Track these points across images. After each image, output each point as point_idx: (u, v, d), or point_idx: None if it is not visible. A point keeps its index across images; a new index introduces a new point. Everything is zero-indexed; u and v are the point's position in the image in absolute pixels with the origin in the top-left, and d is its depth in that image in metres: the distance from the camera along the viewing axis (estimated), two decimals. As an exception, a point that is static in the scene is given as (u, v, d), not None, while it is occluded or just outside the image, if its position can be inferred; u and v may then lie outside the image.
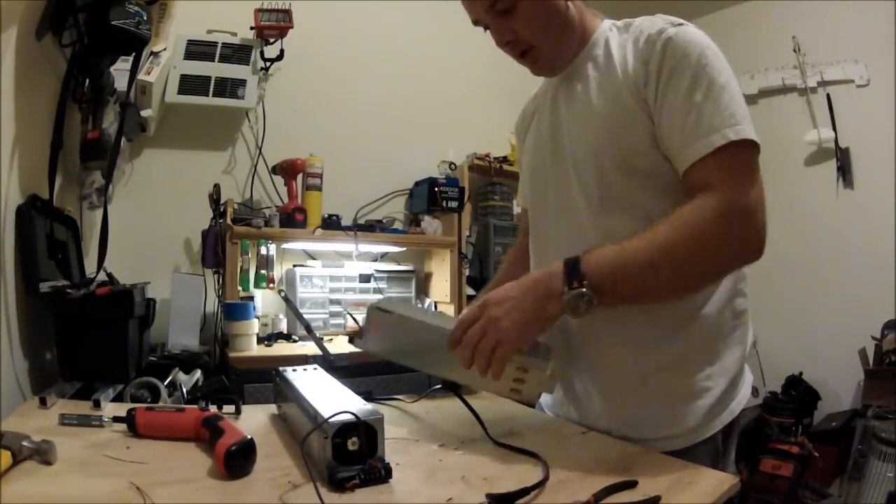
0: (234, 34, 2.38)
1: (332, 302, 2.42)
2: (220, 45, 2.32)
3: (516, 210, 3.13)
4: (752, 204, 0.76)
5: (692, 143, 0.79)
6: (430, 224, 2.74)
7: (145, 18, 1.54)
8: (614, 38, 0.91)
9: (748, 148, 0.78)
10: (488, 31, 0.93)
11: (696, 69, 0.79)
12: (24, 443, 0.68)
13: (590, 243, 0.81)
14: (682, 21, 0.85)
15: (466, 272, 2.74)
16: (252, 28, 2.38)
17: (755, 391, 1.72)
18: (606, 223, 0.88)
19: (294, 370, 0.95)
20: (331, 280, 2.44)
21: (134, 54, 1.72)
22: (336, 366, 1.81)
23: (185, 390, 1.42)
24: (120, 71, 1.82)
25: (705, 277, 0.82)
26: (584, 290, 0.73)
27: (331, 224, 2.44)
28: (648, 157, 0.84)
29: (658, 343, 0.88)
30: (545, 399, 1.05)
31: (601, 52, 0.91)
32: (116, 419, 0.83)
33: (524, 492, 0.62)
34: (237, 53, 2.34)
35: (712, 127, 0.77)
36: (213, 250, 2.20)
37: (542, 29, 0.89)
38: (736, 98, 0.79)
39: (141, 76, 2.03)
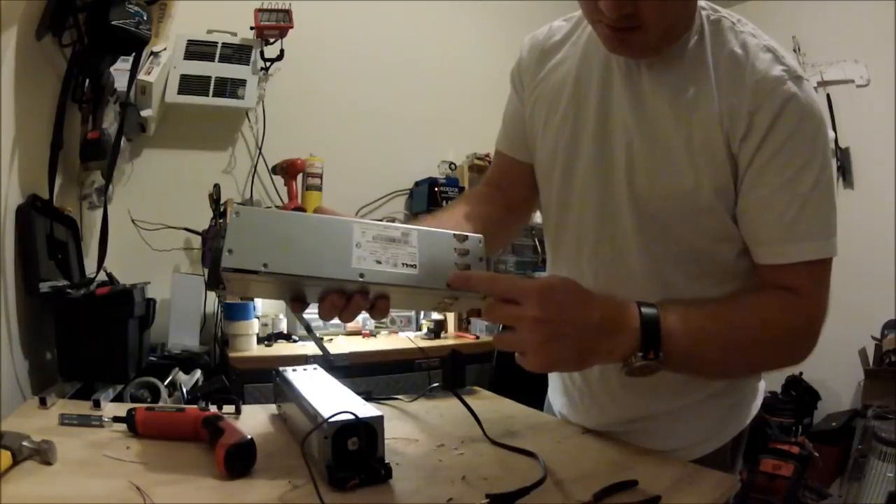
0: (234, 34, 2.38)
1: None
2: (220, 45, 2.32)
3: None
4: (822, 316, 0.73)
5: (785, 241, 0.71)
6: (431, 224, 2.73)
7: (145, 18, 1.54)
8: (707, 39, 0.75)
9: (831, 261, 0.73)
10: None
11: (809, 152, 0.69)
12: (24, 443, 0.67)
13: (636, 288, 0.78)
14: (799, 72, 0.71)
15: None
16: (252, 28, 2.38)
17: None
18: (660, 275, 0.80)
19: (294, 370, 0.95)
20: (330, 280, 2.44)
21: (134, 54, 1.72)
22: (336, 366, 1.81)
23: (185, 390, 1.42)
24: (120, 71, 1.82)
25: (754, 372, 0.84)
26: (655, 363, 0.64)
27: (331, 224, 2.44)
28: (719, 218, 0.75)
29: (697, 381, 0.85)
30: (559, 410, 1.04)
31: (694, 56, 0.75)
32: (116, 419, 0.83)
33: (524, 491, 0.62)
34: (237, 53, 2.34)
35: (811, 233, 0.70)
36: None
37: (667, 9, 0.70)
38: (833, 198, 0.72)
39: (141, 76, 2.03)
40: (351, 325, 2.31)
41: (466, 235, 0.68)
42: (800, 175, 0.69)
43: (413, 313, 2.57)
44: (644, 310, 0.65)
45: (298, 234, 0.61)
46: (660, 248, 0.79)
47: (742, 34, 0.75)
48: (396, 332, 2.50)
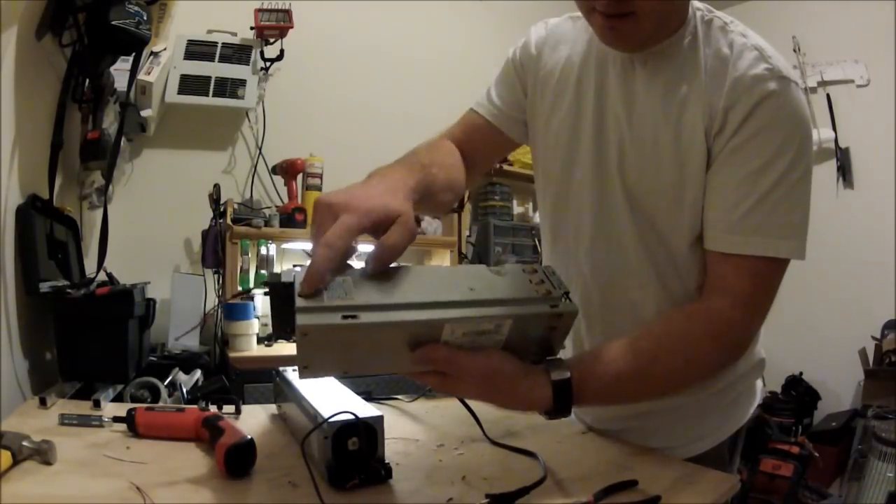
0: (234, 34, 2.38)
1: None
2: (220, 45, 2.33)
3: (516, 210, 3.13)
4: (758, 324, 0.74)
5: (735, 231, 0.70)
6: (431, 224, 2.74)
7: (145, 18, 1.55)
8: (700, 39, 0.75)
9: (786, 263, 0.71)
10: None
11: (777, 148, 0.68)
12: (24, 443, 0.67)
13: (632, 283, 0.81)
14: (785, 73, 0.70)
15: (466, 272, 2.74)
16: (252, 28, 2.38)
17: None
18: (656, 269, 0.81)
19: (294, 370, 0.95)
20: (331, 280, 2.44)
21: (134, 54, 1.72)
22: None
23: (185, 390, 1.42)
24: (120, 71, 1.82)
25: (680, 391, 0.80)
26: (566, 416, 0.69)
27: (331, 224, 2.44)
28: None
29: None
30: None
31: (686, 56, 0.75)
32: (116, 419, 0.83)
33: (524, 491, 0.62)
34: (237, 53, 2.35)
35: (764, 228, 0.69)
36: (213, 250, 2.20)
37: None
38: (802, 201, 0.70)
39: (141, 76, 2.03)
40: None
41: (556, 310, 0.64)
42: (763, 171, 0.69)
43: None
44: (555, 379, 0.66)
45: (379, 342, 0.59)
46: (654, 243, 0.80)
47: (731, 34, 0.75)
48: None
